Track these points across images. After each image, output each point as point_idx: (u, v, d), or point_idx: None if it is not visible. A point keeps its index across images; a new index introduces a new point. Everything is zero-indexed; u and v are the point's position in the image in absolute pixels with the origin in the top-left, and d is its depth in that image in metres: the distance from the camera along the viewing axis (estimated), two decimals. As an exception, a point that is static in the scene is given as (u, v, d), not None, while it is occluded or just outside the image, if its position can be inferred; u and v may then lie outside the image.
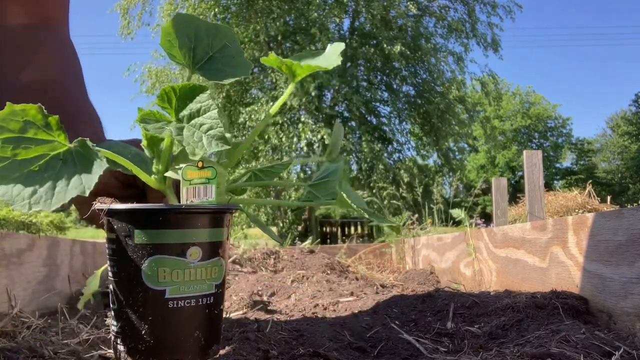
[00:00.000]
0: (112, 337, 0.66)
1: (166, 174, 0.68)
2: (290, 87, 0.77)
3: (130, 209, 0.62)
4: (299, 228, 12.60)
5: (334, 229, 13.32)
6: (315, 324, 1.16)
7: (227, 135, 0.64)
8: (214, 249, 0.65)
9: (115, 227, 0.63)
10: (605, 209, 4.73)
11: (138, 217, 0.62)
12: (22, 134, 0.57)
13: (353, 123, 12.34)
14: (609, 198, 4.98)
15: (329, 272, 2.30)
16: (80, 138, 0.60)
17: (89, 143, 0.60)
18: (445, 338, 1.04)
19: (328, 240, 11.93)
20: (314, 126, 11.14)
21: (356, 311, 1.39)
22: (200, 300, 0.63)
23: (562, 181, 30.81)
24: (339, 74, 11.73)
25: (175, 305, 0.61)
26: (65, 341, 0.95)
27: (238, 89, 12.21)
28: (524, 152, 3.25)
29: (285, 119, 11.48)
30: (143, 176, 0.67)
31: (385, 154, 12.69)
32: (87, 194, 0.55)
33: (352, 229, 12.33)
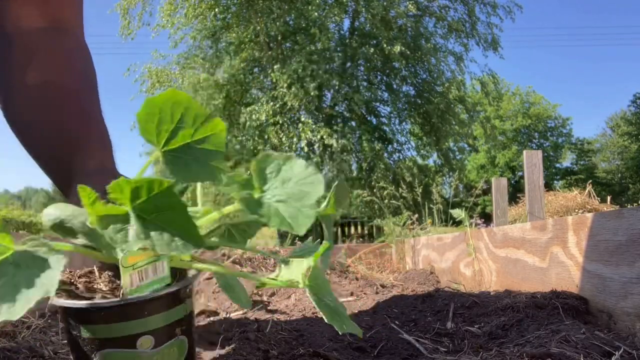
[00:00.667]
0: None
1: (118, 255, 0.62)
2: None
3: (69, 307, 0.59)
4: (299, 228, 12.56)
5: (334, 229, 13.31)
6: (315, 324, 1.16)
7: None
8: (170, 331, 0.62)
9: (64, 319, 0.61)
10: (605, 209, 4.73)
11: (80, 314, 0.59)
12: None
13: (353, 123, 12.34)
14: (609, 198, 4.98)
15: (329, 272, 2.30)
16: (27, 238, 0.55)
17: (38, 243, 0.55)
18: (445, 338, 1.04)
19: (328, 240, 11.90)
20: (314, 126, 11.14)
21: (356, 311, 1.40)
22: None
23: (562, 181, 30.80)
24: (339, 74, 11.73)
25: None
26: (65, 341, 0.95)
27: (238, 89, 12.21)
28: (524, 152, 3.25)
29: (285, 119, 11.48)
30: (92, 255, 0.62)
31: (386, 154, 12.69)
32: (52, 293, 0.52)
33: (352, 229, 12.33)
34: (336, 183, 0.71)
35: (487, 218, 5.18)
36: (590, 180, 5.52)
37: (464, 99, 13.28)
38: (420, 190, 4.59)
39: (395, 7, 11.75)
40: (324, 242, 0.63)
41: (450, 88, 12.72)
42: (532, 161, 3.17)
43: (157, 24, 12.34)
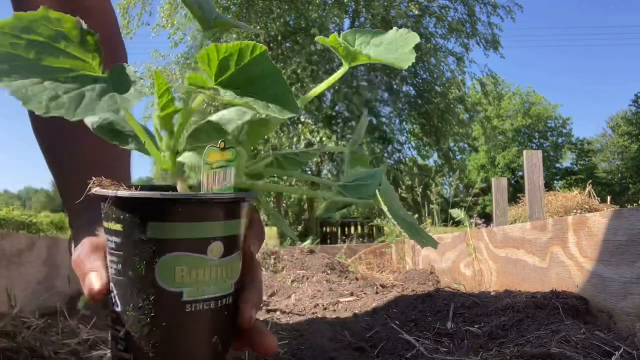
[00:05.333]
0: (114, 344, 0.57)
1: (180, 159, 0.58)
2: (343, 70, 0.65)
3: (145, 197, 0.53)
4: (299, 228, 12.60)
5: (334, 229, 13.32)
6: (315, 324, 1.16)
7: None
8: (235, 243, 0.57)
9: (121, 217, 0.54)
10: (605, 208, 4.74)
11: (154, 208, 0.52)
12: (52, 42, 0.47)
13: (353, 123, 12.35)
14: (609, 198, 4.99)
15: (329, 272, 2.30)
16: (117, 65, 0.51)
17: (128, 69, 0.50)
18: (445, 338, 1.04)
19: (328, 240, 11.92)
20: (313, 126, 11.14)
21: (356, 311, 1.40)
22: (219, 301, 0.55)
23: (562, 181, 30.80)
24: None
25: (193, 309, 0.53)
26: (65, 341, 0.95)
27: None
28: (524, 152, 3.26)
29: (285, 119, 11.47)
30: (152, 151, 0.57)
31: (385, 154, 12.70)
32: (121, 113, 0.47)
33: (352, 229, 12.32)
34: (362, 114, 0.74)
35: (487, 218, 5.18)
36: (590, 180, 5.53)
37: (464, 99, 13.29)
38: (420, 190, 4.59)
39: (395, 8, 11.76)
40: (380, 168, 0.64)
41: (450, 88, 12.72)
42: (532, 161, 3.17)
43: (156, 24, 12.35)
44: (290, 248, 2.87)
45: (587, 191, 5.05)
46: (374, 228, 9.13)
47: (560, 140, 33.54)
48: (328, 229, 13.22)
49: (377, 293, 1.68)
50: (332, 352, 0.91)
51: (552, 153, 32.28)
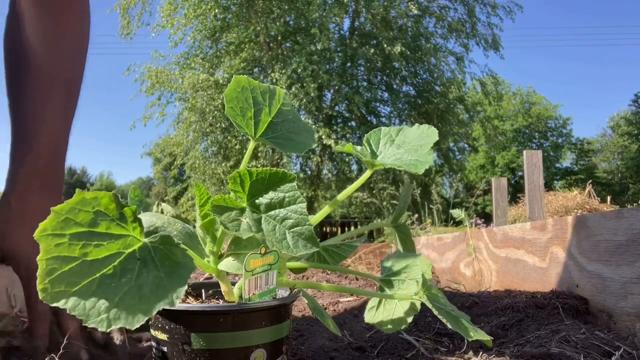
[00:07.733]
0: None
1: (221, 267, 0.59)
2: (367, 174, 0.70)
3: (188, 310, 0.54)
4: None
5: (334, 229, 13.33)
6: (315, 324, 1.16)
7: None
8: (279, 348, 0.58)
9: (167, 327, 0.55)
10: (605, 209, 4.74)
11: (197, 319, 0.54)
12: (93, 227, 0.48)
13: (353, 123, 12.34)
14: (609, 198, 4.99)
15: (328, 272, 2.30)
16: (162, 234, 0.51)
17: (174, 239, 0.51)
18: (445, 338, 1.04)
19: (328, 240, 11.89)
20: (313, 126, 11.13)
21: (356, 311, 1.39)
22: None
23: (562, 181, 30.79)
24: (339, 74, 11.73)
25: None
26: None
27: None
28: (524, 152, 3.26)
29: (285, 119, 11.45)
30: (197, 261, 0.57)
31: (385, 154, 12.67)
32: (176, 304, 0.47)
33: (352, 228, 12.32)
34: (405, 183, 0.80)
35: (487, 218, 5.18)
36: (590, 180, 5.52)
37: (464, 99, 13.28)
38: (419, 191, 4.60)
39: (395, 7, 11.75)
40: (421, 257, 0.69)
41: (450, 88, 12.72)
42: (532, 161, 3.17)
43: (156, 24, 12.33)
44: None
45: (587, 191, 5.05)
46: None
47: (560, 140, 33.53)
48: (328, 229, 13.23)
49: (377, 293, 1.68)
50: (332, 352, 0.91)
51: (552, 153, 32.27)
